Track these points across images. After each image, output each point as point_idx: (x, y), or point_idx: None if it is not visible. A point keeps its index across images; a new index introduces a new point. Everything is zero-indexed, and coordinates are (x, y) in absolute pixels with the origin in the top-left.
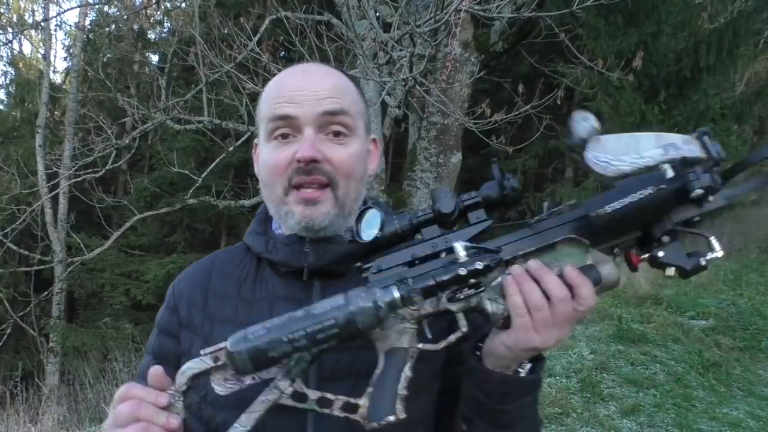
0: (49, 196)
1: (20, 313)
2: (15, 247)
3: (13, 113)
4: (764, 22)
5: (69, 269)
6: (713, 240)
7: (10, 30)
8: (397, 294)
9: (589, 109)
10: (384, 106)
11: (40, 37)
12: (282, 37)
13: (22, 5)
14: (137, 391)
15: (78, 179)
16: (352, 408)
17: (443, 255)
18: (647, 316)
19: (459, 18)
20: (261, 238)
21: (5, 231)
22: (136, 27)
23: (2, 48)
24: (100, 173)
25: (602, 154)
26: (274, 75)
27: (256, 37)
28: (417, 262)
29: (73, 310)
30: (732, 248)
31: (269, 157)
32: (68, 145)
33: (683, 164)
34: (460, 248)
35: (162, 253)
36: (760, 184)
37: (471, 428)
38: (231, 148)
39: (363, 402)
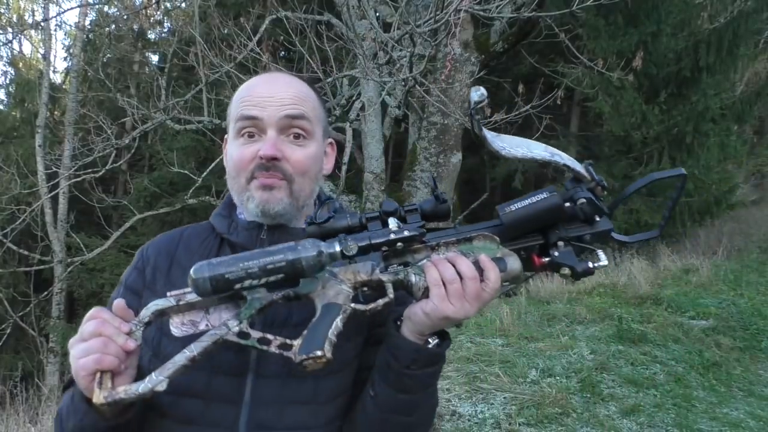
0: (49, 196)
1: (20, 313)
2: (15, 247)
3: (13, 113)
4: (764, 22)
5: (69, 269)
6: (600, 252)
7: (10, 30)
8: (338, 248)
9: (589, 109)
10: (384, 106)
11: (40, 37)
12: (282, 37)
13: (22, 5)
14: (104, 314)
15: (78, 179)
16: (287, 347)
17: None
18: (647, 316)
19: (459, 18)
20: (225, 221)
21: (5, 231)
22: (136, 27)
23: (2, 48)
24: (100, 173)
25: (501, 142)
26: None
27: (256, 37)
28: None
29: (73, 310)
30: (732, 248)
31: (236, 153)
32: (68, 145)
33: (573, 180)
34: (392, 222)
35: None
36: (645, 237)
37: (377, 392)
38: None
39: (297, 342)
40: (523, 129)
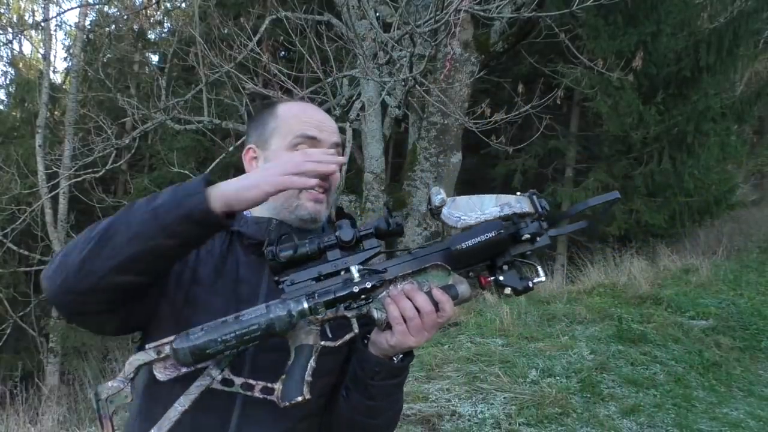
0: (49, 196)
1: (20, 313)
2: (15, 247)
3: (13, 113)
4: (764, 22)
5: None
6: (539, 268)
7: (10, 30)
8: (305, 305)
9: (589, 109)
10: (384, 106)
11: (40, 37)
12: (282, 37)
13: (22, 5)
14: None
15: (78, 179)
16: (270, 390)
17: (342, 273)
18: (647, 316)
19: (459, 18)
20: (238, 220)
21: (5, 231)
22: (136, 27)
23: (2, 48)
24: (100, 173)
25: (456, 211)
26: (274, 75)
27: (256, 37)
28: (322, 277)
29: None
30: (732, 248)
31: None
32: (68, 145)
33: (519, 215)
34: (354, 271)
35: None
36: (576, 227)
37: (348, 395)
38: (231, 148)
39: (278, 386)
40: (523, 129)
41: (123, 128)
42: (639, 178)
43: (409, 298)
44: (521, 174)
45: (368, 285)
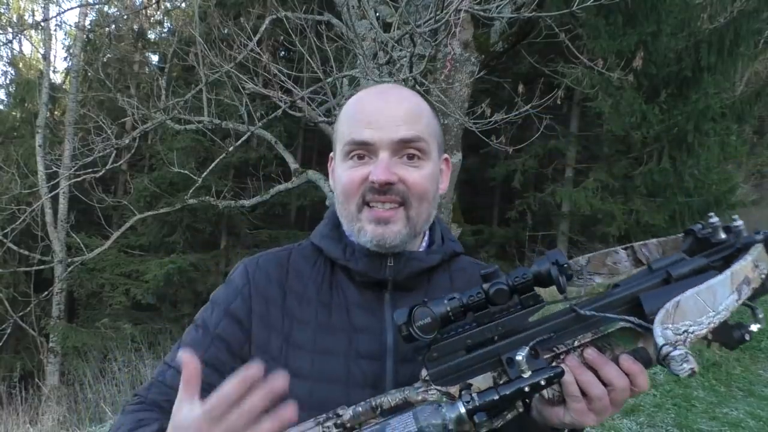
0: (49, 196)
1: (20, 313)
2: (15, 247)
3: (13, 113)
4: (764, 22)
5: (69, 269)
6: (757, 311)
7: (10, 30)
8: (462, 410)
9: (589, 109)
10: None
11: (40, 37)
12: (282, 37)
13: (22, 5)
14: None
15: (78, 179)
16: None
17: (496, 338)
18: None
19: (459, 18)
20: (337, 245)
21: (5, 231)
22: (136, 27)
23: (2, 48)
24: (100, 173)
25: (681, 322)
26: (275, 75)
27: (256, 37)
28: (471, 347)
29: (73, 310)
30: None
31: (345, 176)
32: (68, 145)
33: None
34: (522, 361)
35: (162, 253)
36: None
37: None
38: (231, 148)
39: None
40: (523, 129)
41: (123, 128)
42: (639, 178)
43: (594, 369)
44: (521, 174)
45: (542, 382)
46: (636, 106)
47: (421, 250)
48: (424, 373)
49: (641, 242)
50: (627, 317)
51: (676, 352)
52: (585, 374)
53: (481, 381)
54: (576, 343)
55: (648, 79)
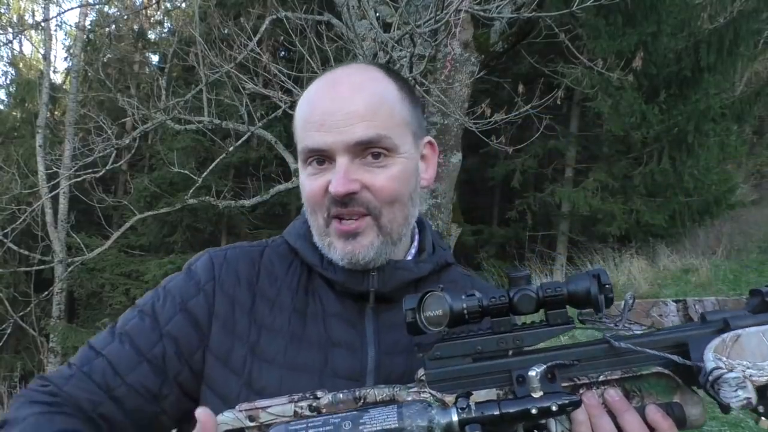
0: (49, 196)
1: (20, 313)
2: (15, 247)
3: (14, 113)
4: (764, 22)
5: (69, 269)
6: None
7: (10, 30)
8: (455, 418)
9: (589, 109)
10: None
11: (40, 37)
12: (282, 37)
13: (22, 5)
14: None
15: (78, 179)
16: None
17: (510, 353)
18: None
19: (459, 18)
20: (314, 251)
21: (5, 231)
22: (136, 27)
23: (2, 48)
24: (100, 173)
25: (738, 360)
26: (275, 75)
27: (256, 37)
28: (480, 355)
29: (73, 310)
30: (731, 248)
31: (306, 185)
32: (68, 145)
33: None
34: (535, 379)
35: (162, 253)
36: None
37: None
38: (231, 148)
39: None
40: (523, 129)
41: (123, 128)
42: (639, 178)
43: (613, 414)
44: (521, 174)
45: (553, 408)
46: (636, 106)
47: (409, 258)
48: (420, 372)
49: (695, 298)
50: (668, 354)
51: (732, 375)
52: (602, 417)
53: (483, 396)
54: (601, 378)
55: (648, 79)
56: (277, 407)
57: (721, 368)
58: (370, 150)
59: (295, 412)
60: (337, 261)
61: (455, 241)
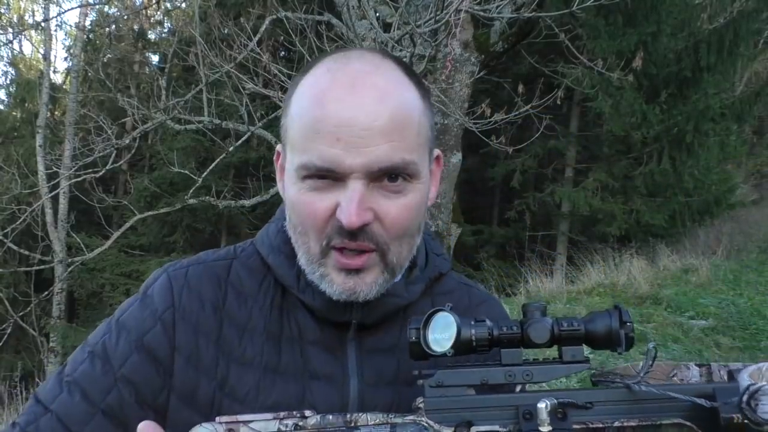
0: (49, 196)
1: (20, 313)
2: (15, 247)
3: (14, 113)
4: (764, 22)
5: (69, 269)
6: None
7: (10, 30)
8: None
9: (589, 109)
10: None
11: (40, 37)
12: (282, 37)
13: (22, 5)
14: None
15: (78, 179)
16: None
17: (518, 389)
18: (647, 315)
19: (459, 18)
20: (290, 269)
21: (5, 231)
22: (136, 27)
23: (2, 48)
24: (100, 173)
25: None
26: (275, 75)
27: (256, 37)
28: (485, 386)
29: (73, 310)
30: (731, 248)
31: (302, 203)
32: (68, 145)
33: None
34: (544, 412)
35: (162, 253)
36: None
37: None
38: (231, 148)
39: None
40: (523, 129)
41: (123, 128)
42: (639, 178)
43: None
44: (521, 174)
45: None
46: (636, 106)
47: (397, 279)
48: (419, 400)
49: (721, 363)
50: (693, 398)
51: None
52: None
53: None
54: (616, 424)
55: (648, 79)
56: (260, 422)
57: (756, 383)
58: (389, 173)
59: (279, 430)
60: (332, 295)
61: (455, 241)
